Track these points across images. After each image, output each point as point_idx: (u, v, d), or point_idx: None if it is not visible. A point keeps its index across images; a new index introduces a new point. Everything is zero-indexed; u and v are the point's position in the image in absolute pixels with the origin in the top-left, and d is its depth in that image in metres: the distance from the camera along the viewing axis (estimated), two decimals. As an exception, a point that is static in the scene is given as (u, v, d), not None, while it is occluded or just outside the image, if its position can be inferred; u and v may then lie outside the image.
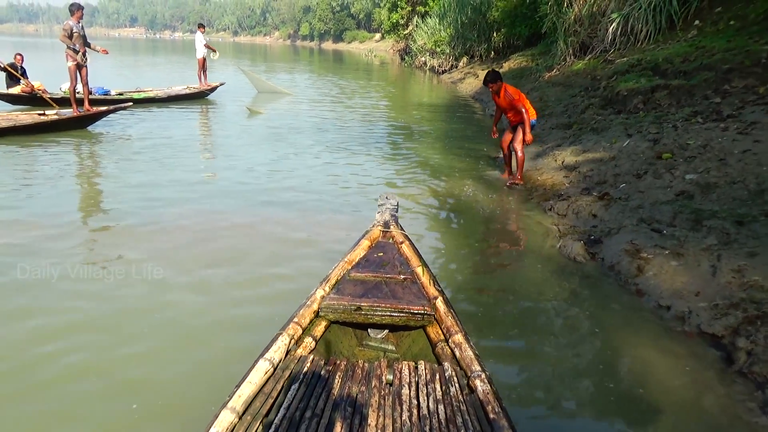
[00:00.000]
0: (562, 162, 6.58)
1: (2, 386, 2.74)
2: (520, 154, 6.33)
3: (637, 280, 3.84)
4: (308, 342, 2.48)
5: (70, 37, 8.86)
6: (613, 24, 10.23)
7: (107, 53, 9.77)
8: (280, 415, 1.92)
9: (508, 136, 6.58)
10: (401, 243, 3.15)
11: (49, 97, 10.19)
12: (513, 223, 5.35)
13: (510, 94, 6.28)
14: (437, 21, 24.35)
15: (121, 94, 12.33)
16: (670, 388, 2.80)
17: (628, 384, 2.84)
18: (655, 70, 7.90)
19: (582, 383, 2.87)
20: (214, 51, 14.76)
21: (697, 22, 9.06)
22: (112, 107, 9.55)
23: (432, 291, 2.73)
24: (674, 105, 6.73)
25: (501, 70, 16.33)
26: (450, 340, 2.43)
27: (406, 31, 33.68)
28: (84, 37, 9.12)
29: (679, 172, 5.02)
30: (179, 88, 13.93)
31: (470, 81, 18.37)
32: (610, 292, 3.84)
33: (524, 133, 6.16)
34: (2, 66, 10.29)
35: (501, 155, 7.01)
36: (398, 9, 34.30)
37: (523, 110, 6.12)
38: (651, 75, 7.80)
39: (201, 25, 14.98)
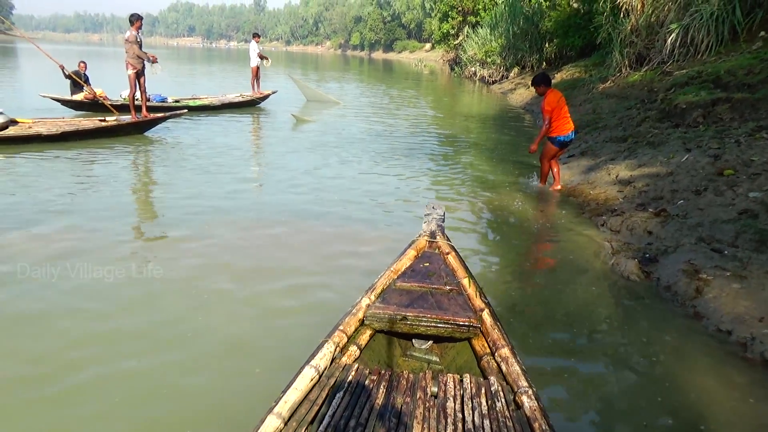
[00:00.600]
0: (616, 176, 6.38)
1: (46, 390, 2.78)
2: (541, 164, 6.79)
3: (696, 302, 3.66)
4: (353, 350, 2.48)
5: (140, 47, 9.36)
6: (672, 35, 9.91)
7: (156, 60, 10.14)
8: (324, 423, 1.92)
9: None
10: (447, 254, 3.14)
11: (110, 104, 10.61)
12: (563, 238, 5.19)
13: (544, 103, 6.44)
14: (488, 31, 24.17)
15: (177, 101, 12.73)
16: (733, 423, 2.64)
17: (687, 418, 2.67)
18: (717, 82, 7.60)
19: (636, 413, 2.72)
20: (267, 59, 15.04)
21: (762, 33, 8.69)
22: (168, 114, 9.87)
23: (478, 303, 2.69)
24: (737, 119, 6.45)
25: (553, 82, 16.05)
26: (496, 354, 2.39)
27: (457, 41, 33.57)
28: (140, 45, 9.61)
29: (742, 190, 4.79)
30: (232, 96, 14.27)
31: (521, 92, 18.13)
32: (665, 314, 3.67)
33: (534, 141, 6.61)
34: (67, 73, 10.78)
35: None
36: (449, 19, 34.22)
37: (545, 123, 6.42)
38: (712, 88, 7.51)
39: (256, 35, 15.31)
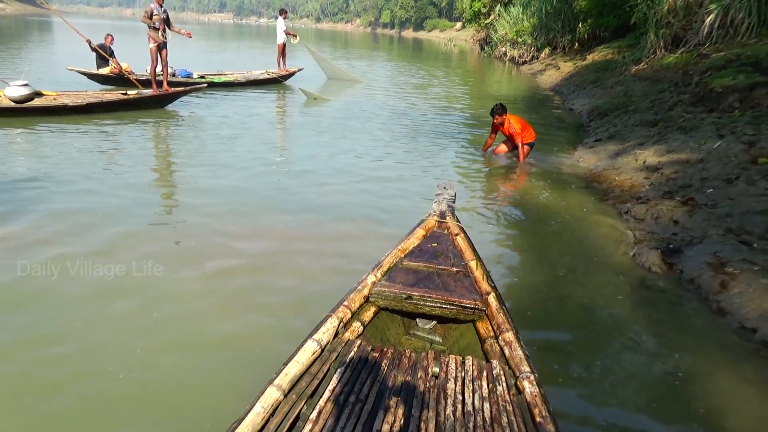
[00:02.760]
0: (644, 162, 6.15)
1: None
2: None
3: (720, 297, 3.49)
4: (356, 326, 2.49)
5: (150, 17, 9.38)
6: (711, 15, 9.47)
7: (191, 36, 10.16)
8: (324, 397, 1.92)
9: (504, 148, 7.41)
10: (456, 235, 3.12)
11: (135, 79, 10.62)
12: (583, 225, 5.00)
13: (512, 125, 7.00)
14: (520, 10, 23.56)
15: (203, 76, 12.69)
16: (754, 427, 2.50)
17: (705, 419, 2.54)
18: (756, 65, 7.25)
19: (649, 411, 2.60)
20: (294, 36, 14.85)
21: (808, 14, 8.24)
22: (188, 88, 9.98)
23: (485, 286, 2.68)
24: (776, 105, 6.14)
25: (584, 63, 15.70)
26: (500, 338, 2.37)
27: (488, 21, 32.84)
28: (166, 21, 9.72)
29: (776, 180, 4.55)
30: (258, 73, 14.19)
31: (550, 73, 17.70)
32: (687, 308, 3.51)
33: (520, 158, 7.08)
34: (93, 47, 10.81)
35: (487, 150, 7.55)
36: (481, -3, 33.51)
37: (519, 144, 7.01)
38: (750, 71, 7.16)
39: (283, 11, 15.14)
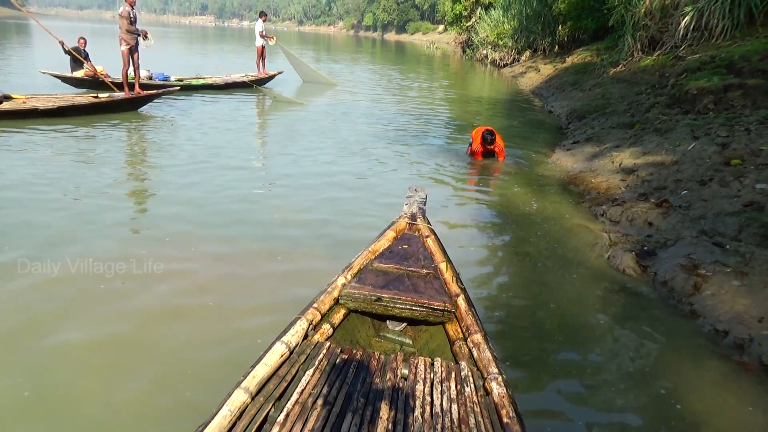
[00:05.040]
0: (620, 164, 6.16)
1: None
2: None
3: (693, 299, 3.48)
4: (326, 328, 2.47)
5: (132, 23, 9.29)
6: (686, 18, 9.56)
7: (146, 35, 10.07)
8: (292, 399, 1.91)
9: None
10: (427, 237, 3.11)
11: (110, 82, 10.45)
12: (557, 228, 4.96)
13: (498, 143, 7.09)
14: (501, 13, 23.70)
15: (181, 80, 12.53)
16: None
17: (675, 426, 2.51)
18: (730, 67, 7.31)
19: (618, 417, 2.57)
20: (271, 38, 14.57)
21: (780, 16, 8.33)
22: (160, 91, 9.93)
23: (454, 288, 2.68)
24: (749, 106, 6.20)
25: (564, 65, 15.80)
26: (469, 339, 2.37)
27: (469, 23, 33.02)
28: (135, 22, 9.69)
29: (749, 181, 4.57)
30: (237, 76, 14.04)
31: (531, 75, 17.79)
32: (660, 311, 3.48)
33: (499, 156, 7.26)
34: (66, 49, 10.62)
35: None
36: (462, 0, 33.63)
37: (503, 155, 7.25)
38: (725, 73, 7.22)
39: (262, 14, 14.99)
